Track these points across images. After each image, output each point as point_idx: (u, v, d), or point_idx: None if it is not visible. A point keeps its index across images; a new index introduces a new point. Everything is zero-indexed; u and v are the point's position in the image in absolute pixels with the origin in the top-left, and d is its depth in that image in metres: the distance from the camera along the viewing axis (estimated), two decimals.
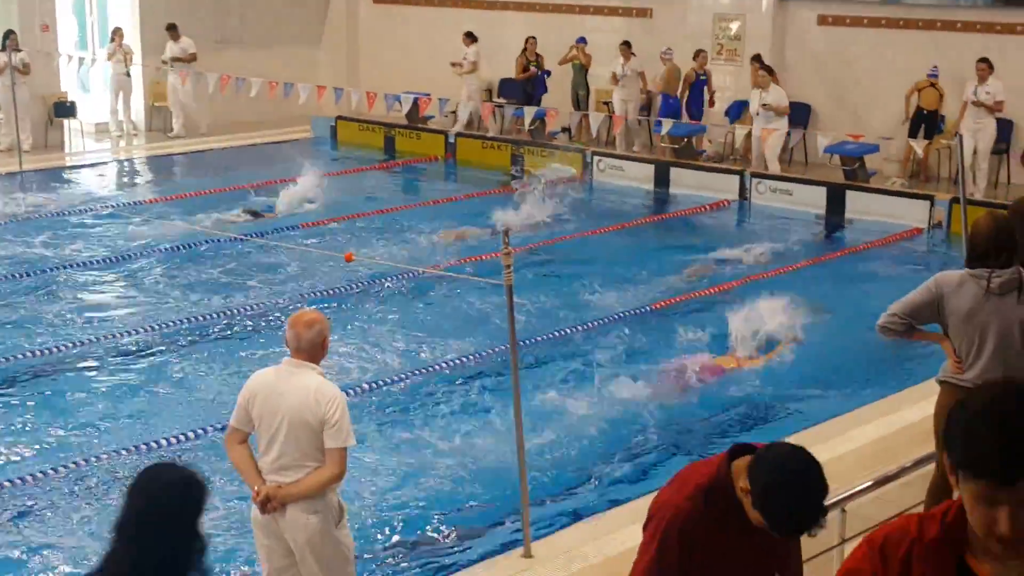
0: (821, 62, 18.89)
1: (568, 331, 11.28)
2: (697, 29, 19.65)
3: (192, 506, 3.54)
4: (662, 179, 18.22)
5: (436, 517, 7.68)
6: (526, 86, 20.66)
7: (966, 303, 6.05)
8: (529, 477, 7.08)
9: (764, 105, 17.66)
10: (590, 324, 11.51)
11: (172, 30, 21.26)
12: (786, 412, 9.58)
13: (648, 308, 12.10)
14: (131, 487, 3.60)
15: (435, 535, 7.48)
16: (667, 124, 18.41)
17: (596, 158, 18.94)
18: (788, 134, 17.87)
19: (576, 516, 7.72)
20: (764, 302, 11.24)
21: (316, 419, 5.41)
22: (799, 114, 18.56)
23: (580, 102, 20.51)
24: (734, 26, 19.48)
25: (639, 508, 7.50)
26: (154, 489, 3.54)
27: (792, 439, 8.66)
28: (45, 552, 7.22)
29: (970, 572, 2.60)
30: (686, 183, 17.89)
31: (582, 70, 20.51)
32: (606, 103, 20.35)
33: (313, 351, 5.55)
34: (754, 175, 17.48)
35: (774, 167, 17.67)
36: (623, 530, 7.18)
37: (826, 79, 18.82)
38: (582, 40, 20.44)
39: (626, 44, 19.60)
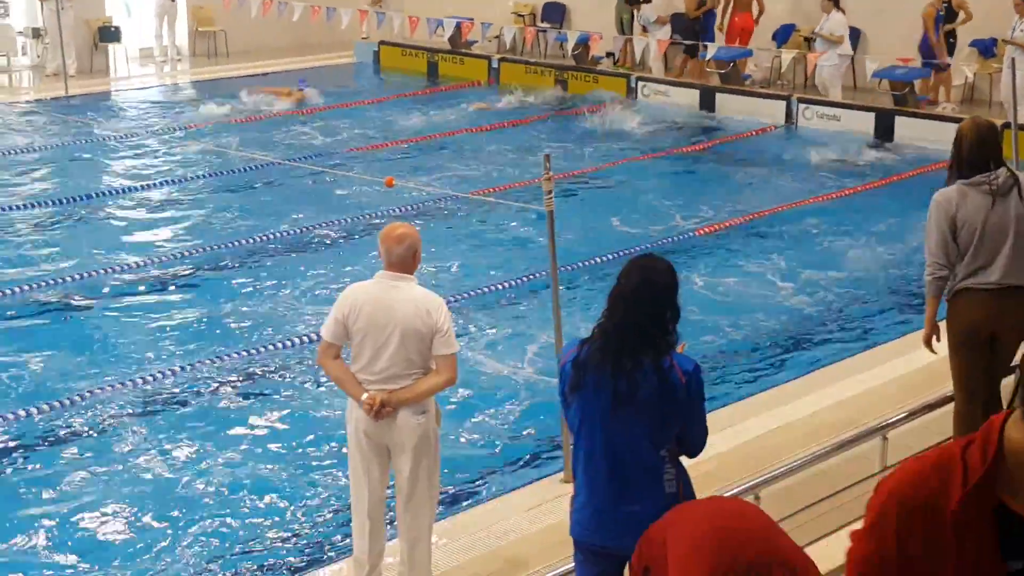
0: None
1: (611, 256, 11.23)
2: None
3: (676, 283, 4.70)
4: (708, 104, 18.03)
5: (475, 442, 7.73)
6: (695, 24, 19.30)
7: (975, 212, 6.14)
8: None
9: (815, 32, 17.39)
10: (633, 249, 11.44)
11: None
12: (826, 341, 9.52)
13: (692, 234, 12.03)
14: (626, 271, 4.72)
15: (473, 459, 7.52)
16: (712, 48, 18.15)
17: (641, 83, 18.76)
18: (851, 61, 17.55)
19: None
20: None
21: (427, 328, 5.55)
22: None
23: (624, 26, 20.25)
24: None
25: None
26: (650, 270, 4.67)
27: (832, 369, 8.67)
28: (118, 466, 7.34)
29: (1011, 514, 2.38)
30: (732, 108, 17.70)
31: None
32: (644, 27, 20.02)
33: (405, 264, 5.66)
34: (801, 100, 17.25)
35: (835, 94, 17.40)
36: None
37: (876, 1, 18.45)
38: None
39: None
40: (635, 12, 19.92)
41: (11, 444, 7.63)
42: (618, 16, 20.32)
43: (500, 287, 10.42)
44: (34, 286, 10.31)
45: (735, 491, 5.82)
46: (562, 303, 7.04)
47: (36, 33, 20.74)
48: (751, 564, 3.39)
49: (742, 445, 7.36)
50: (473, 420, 7.96)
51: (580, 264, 10.87)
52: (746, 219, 12.59)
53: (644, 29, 19.51)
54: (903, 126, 16.24)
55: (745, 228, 12.35)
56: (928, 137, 15.80)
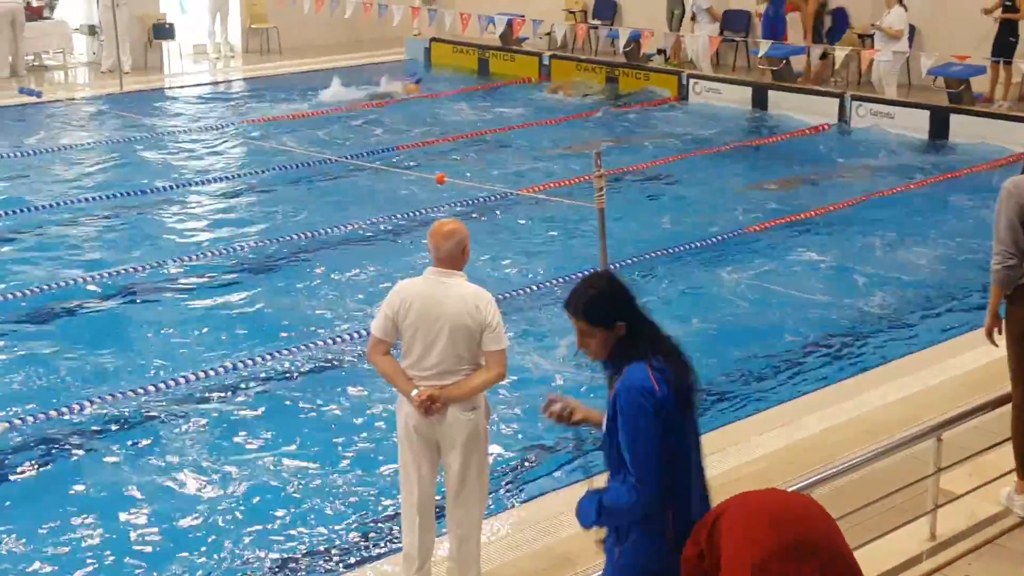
0: None
1: (660, 253, 11.19)
2: None
3: None
4: (760, 102, 17.92)
5: (524, 438, 7.71)
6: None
7: None
8: None
9: (874, 25, 17.24)
10: (683, 247, 11.41)
11: None
12: (880, 340, 9.43)
13: (743, 231, 11.95)
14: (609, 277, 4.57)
15: (522, 455, 7.51)
16: (764, 45, 18.03)
17: (692, 80, 18.67)
18: (906, 59, 17.37)
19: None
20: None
21: (476, 324, 5.57)
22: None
23: (675, 22, 20.14)
24: None
25: (727, 434, 7.55)
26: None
27: (887, 367, 8.59)
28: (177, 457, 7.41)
29: None
30: (785, 106, 17.58)
31: None
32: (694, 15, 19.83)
33: (454, 260, 5.67)
34: (855, 98, 17.09)
35: (890, 92, 17.22)
36: (713, 456, 7.16)
37: None
38: None
39: None
40: (685, 5, 19.79)
41: (71, 437, 7.69)
42: (669, 11, 20.22)
43: (550, 283, 10.39)
44: (88, 279, 10.41)
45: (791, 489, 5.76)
46: None
47: (92, 30, 20.98)
48: (811, 546, 3.35)
49: (795, 444, 7.32)
50: (522, 416, 7.93)
51: (630, 261, 10.83)
52: (799, 217, 12.48)
53: (694, 17, 19.32)
54: (958, 124, 16.05)
55: (798, 226, 12.26)
56: (984, 135, 15.62)
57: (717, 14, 19.36)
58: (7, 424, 7.67)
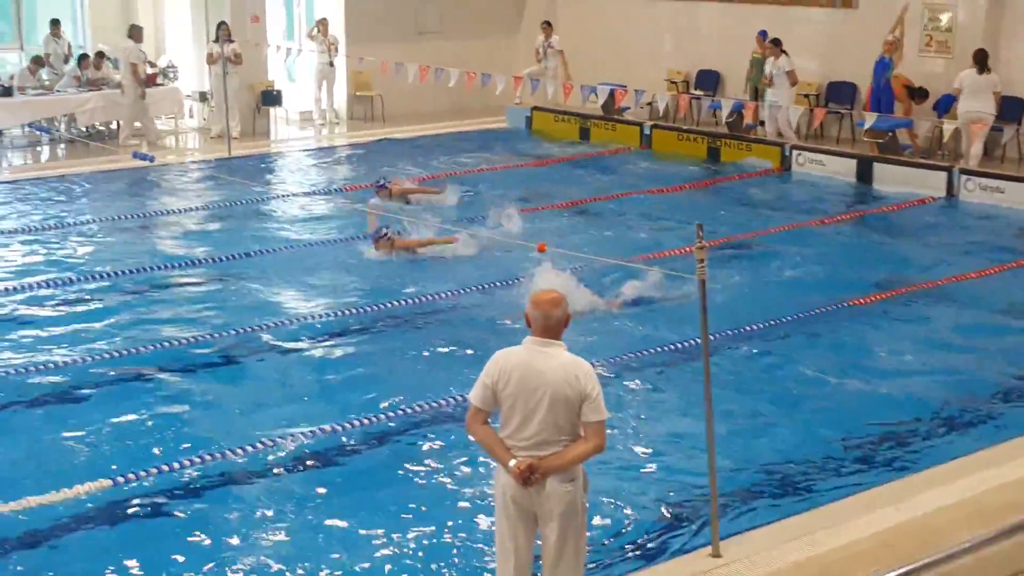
0: None
1: (761, 326, 11.04)
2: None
3: None
4: (865, 174, 17.69)
5: (621, 510, 7.58)
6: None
7: None
8: (719, 473, 6.94)
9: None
10: (784, 319, 11.25)
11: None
12: (989, 418, 9.13)
13: (844, 304, 11.74)
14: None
15: (617, 529, 7.38)
16: (871, 118, 17.83)
17: (795, 152, 18.52)
18: (1000, 130, 17.11)
19: (769, 517, 7.51)
20: None
21: (576, 394, 5.54)
22: (1013, 109, 17.73)
23: (759, 94, 20.00)
24: (945, 17, 18.73)
25: (836, 511, 7.35)
26: None
27: (998, 448, 8.31)
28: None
29: None
30: (890, 179, 17.33)
31: (760, 63, 20.01)
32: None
33: (556, 329, 5.67)
34: (963, 172, 16.80)
35: (974, 162, 16.97)
36: (817, 534, 6.99)
37: None
38: (762, 34, 19.98)
39: (775, 41, 19.12)
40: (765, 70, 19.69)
41: (181, 490, 7.79)
42: (752, 85, 20.12)
43: (649, 353, 10.30)
44: (192, 340, 10.56)
45: (895, 574, 5.58)
46: (712, 371, 6.90)
47: (203, 97, 21.51)
48: None
49: (904, 523, 7.10)
50: (620, 488, 7.82)
51: (730, 332, 10.70)
52: (903, 291, 12.24)
53: (771, 82, 19.12)
54: None
55: (903, 300, 12.02)
56: None
57: (796, 78, 19.17)
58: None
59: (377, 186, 15.71)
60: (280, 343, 10.66)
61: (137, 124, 20.17)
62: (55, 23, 21.42)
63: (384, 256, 13.15)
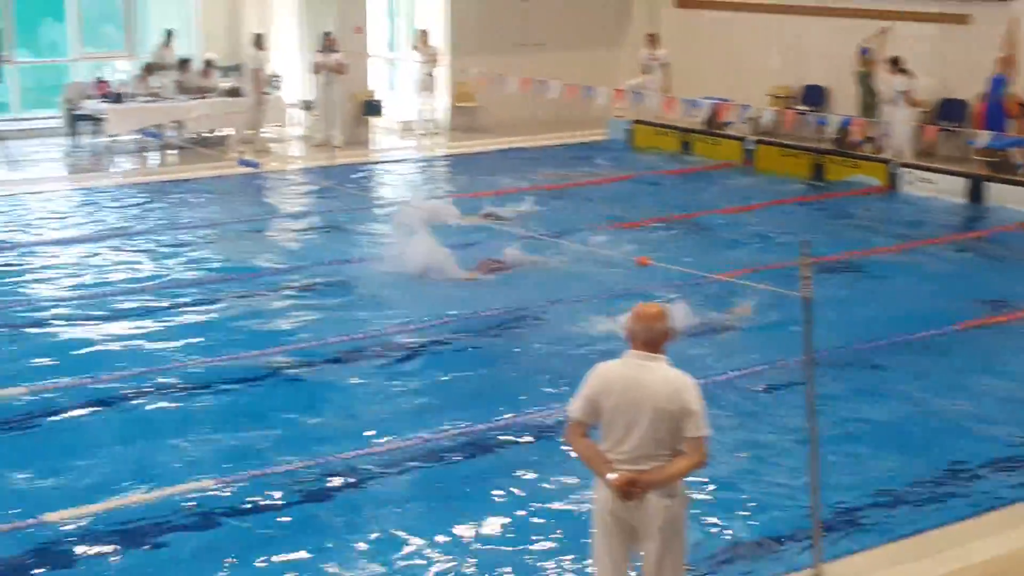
0: None
1: (867, 348, 10.81)
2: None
3: None
4: (975, 193, 17.27)
5: (720, 527, 7.47)
6: None
7: None
8: (822, 494, 6.79)
9: None
10: (891, 340, 11.00)
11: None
12: None
13: (953, 326, 11.44)
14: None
15: (718, 548, 7.26)
16: (983, 136, 17.41)
17: (903, 170, 18.15)
18: None
19: (873, 541, 7.35)
20: None
21: (678, 408, 5.50)
22: None
23: (868, 110, 19.63)
24: None
25: (942, 537, 7.15)
26: None
27: None
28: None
29: None
30: (1003, 198, 16.90)
31: (866, 78, 19.64)
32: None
33: (658, 343, 5.64)
34: None
35: None
36: (923, 561, 6.80)
37: None
38: (864, 52, 19.62)
39: (894, 60, 18.74)
40: (877, 90, 19.30)
41: (281, 493, 7.87)
42: (861, 101, 19.75)
43: (751, 371, 10.14)
44: (293, 348, 10.64)
45: None
46: (816, 390, 6.76)
47: (307, 106, 21.74)
48: None
49: (1016, 552, 6.88)
50: (720, 506, 7.70)
51: (833, 351, 10.48)
52: (1015, 316, 11.90)
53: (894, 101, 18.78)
54: None
55: (1014, 324, 11.69)
56: None
57: (916, 99, 18.77)
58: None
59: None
60: (377, 350, 10.69)
61: (250, 131, 20.47)
62: (169, 34, 21.86)
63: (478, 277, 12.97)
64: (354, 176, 18.75)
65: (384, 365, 10.37)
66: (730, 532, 7.43)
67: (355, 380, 10.03)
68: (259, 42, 20.59)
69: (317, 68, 20.60)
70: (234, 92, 20.91)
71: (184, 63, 21.20)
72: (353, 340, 10.86)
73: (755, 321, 11.50)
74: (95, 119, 20.26)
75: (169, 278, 12.84)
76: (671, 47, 22.39)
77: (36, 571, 6.90)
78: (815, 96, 21.29)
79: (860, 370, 10.34)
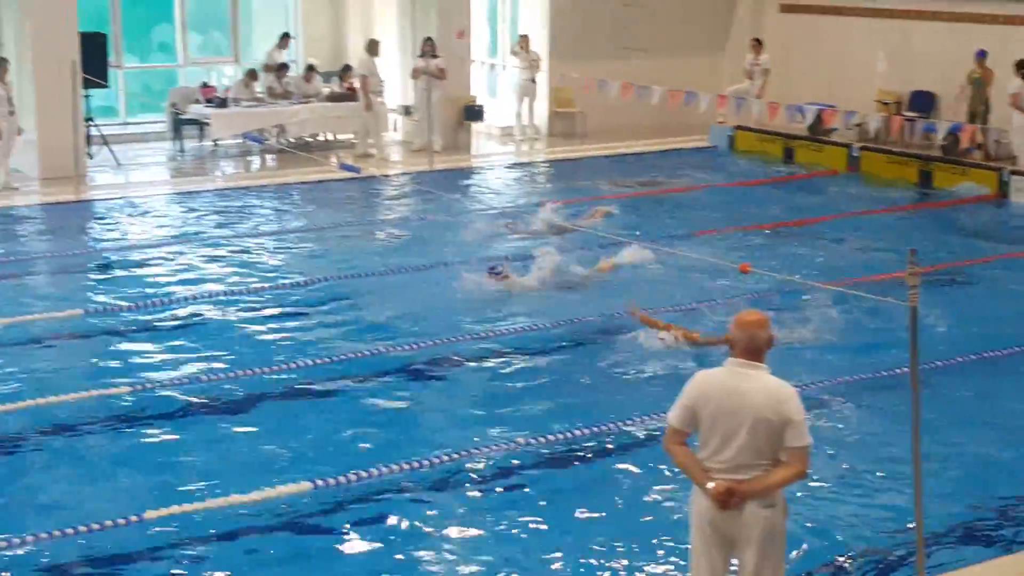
0: None
1: (974, 358, 10.51)
2: None
3: None
4: None
5: (818, 540, 7.30)
6: None
7: None
8: (925, 507, 6.59)
9: None
10: (1000, 351, 10.69)
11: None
12: None
13: None
14: None
15: (817, 559, 7.09)
16: None
17: (1015, 177, 17.67)
18: None
19: (979, 556, 7.17)
20: None
21: (779, 418, 5.43)
22: None
23: (978, 118, 19.13)
24: None
25: None
26: None
27: None
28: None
29: None
30: None
31: (981, 84, 19.15)
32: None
33: (759, 351, 5.58)
34: None
35: None
36: None
37: None
38: (982, 54, 19.12)
39: (1020, 64, 18.20)
40: (990, 104, 18.81)
41: (373, 496, 7.87)
42: (971, 107, 19.25)
43: (854, 380, 9.92)
44: (387, 351, 10.63)
45: None
46: (922, 401, 6.57)
47: (407, 111, 21.85)
48: None
49: None
50: (820, 517, 7.54)
51: (940, 363, 10.21)
52: None
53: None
54: None
55: None
56: None
57: (1017, 102, 18.24)
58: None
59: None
60: (472, 355, 10.67)
61: (369, 139, 20.69)
62: (285, 36, 22.19)
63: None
64: (451, 180, 18.77)
65: (475, 368, 10.36)
66: (829, 545, 7.26)
67: (446, 383, 10.04)
68: (372, 48, 20.75)
69: (416, 73, 20.70)
70: (335, 97, 21.11)
71: (283, 67, 21.44)
72: (443, 343, 10.83)
73: (858, 330, 11.25)
74: (200, 123, 20.59)
75: (273, 280, 12.93)
76: (775, 52, 22.11)
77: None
78: (923, 102, 20.83)
79: (968, 380, 10.06)
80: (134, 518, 7.26)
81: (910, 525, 6.78)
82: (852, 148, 19.89)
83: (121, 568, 6.93)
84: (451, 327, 11.32)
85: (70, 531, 7.09)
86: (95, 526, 7.16)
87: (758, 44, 22.01)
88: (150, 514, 7.32)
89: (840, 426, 9.10)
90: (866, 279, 12.68)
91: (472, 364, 10.47)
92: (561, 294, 12.41)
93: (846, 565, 7.06)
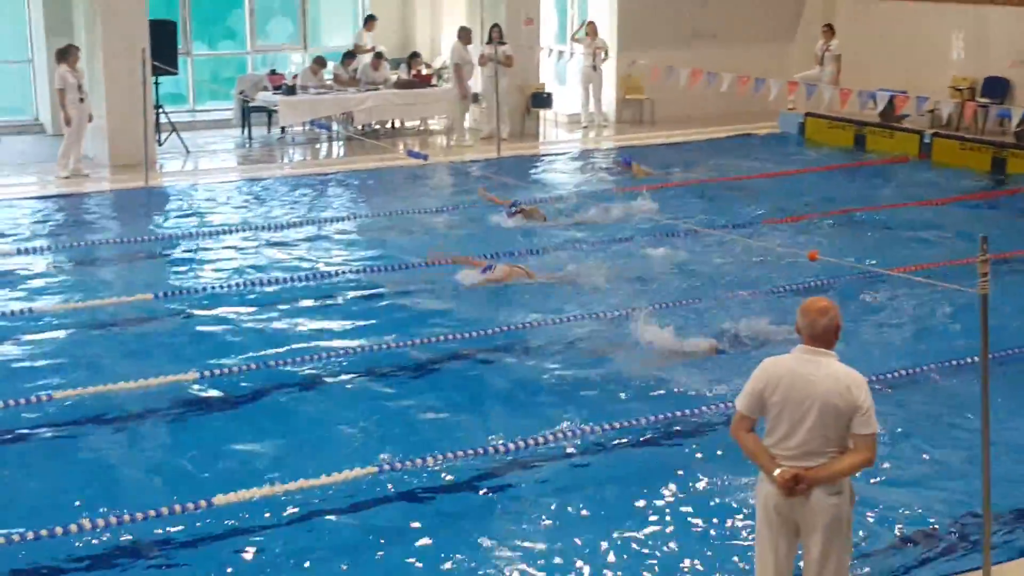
0: None
1: None
2: None
3: None
4: None
5: (885, 527, 7.25)
6: None
7: None
8: (994, 495, 6.49)
9: None
10: None
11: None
12: None
13: None
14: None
15: (882, 547, 7.05)
16: None
17: None
18: None
19: None
20: None
21: (847, 405, 5.44)
22: None
23: None
24: None
25: None
26: None
27: None
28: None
29: None
30: None
31: None
32: None
33: (827, 338, 5.59)
34: None
35: None
36: None
37: None
38: None
39: None
40: None
41: (437, 483, 7.90)
42: None
43: (922, 370, 9.80)
44: (442, 339, 10.60)
45: None
46: (991, 390, 6.48)
47: (475, 98, 21.87)
48: None
49: None
50: (887, 504, 7.48)
51: (1011, 352, 10.04)
52: None
53: None
54: None
55: None
56: None
57: None
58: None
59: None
60: (535, 341, 10.66)
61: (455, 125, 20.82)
62: (370, 19, 22.37)
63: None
64: (518, 167, 18.74)
65: (535, 355, 10.33)
66: (895, 531, 7.22)
67: (506, 372, 10.01)
68: (464, 36, 20.81)
69: (484, 60, 20.72)
70: (403, 84, 21.20)
71: (349, 55, 21.56)
72: (501, 331, 10.82)
73: (928, 317, 11.12)
74: (268, 111, 20.77)
75: (340, 268, 12.98)
76: (846, 38, 21.85)
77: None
78: (997, 88, 20.48)
79: None
80: (203, 503, 7.34)
81: (975, 511, 6.70)
82: (924, 135, 19.60)
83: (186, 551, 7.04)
84: (515, 310, 11.32)
85: (140, 515, 7.18)
86: (164, 511, 7.24)
87: (829, 30, 21.76)
88: (219, 499, 7.39)
89: (907, 412, 8.99)
90: (936, 265, 12.52)
91: (534, 347, 10.48)
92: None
93: (911, 551, 6.99)
